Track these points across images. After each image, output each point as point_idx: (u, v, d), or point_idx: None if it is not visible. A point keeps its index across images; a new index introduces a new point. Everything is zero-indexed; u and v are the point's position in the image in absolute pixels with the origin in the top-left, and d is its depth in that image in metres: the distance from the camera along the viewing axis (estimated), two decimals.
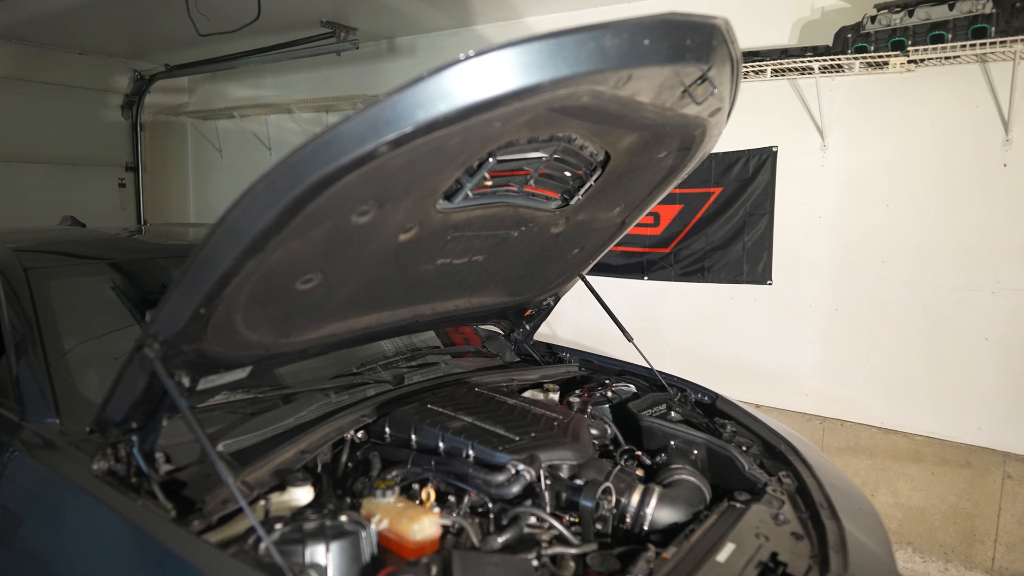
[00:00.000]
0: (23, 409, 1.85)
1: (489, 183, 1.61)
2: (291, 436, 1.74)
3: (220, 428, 1.80)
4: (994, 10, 2.77)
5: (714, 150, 3.79)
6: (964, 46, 2.85)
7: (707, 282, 4.01)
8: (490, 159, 1.48)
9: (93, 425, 1.55)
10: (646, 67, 1.28)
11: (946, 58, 3.00)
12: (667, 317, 4.19)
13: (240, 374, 1.62)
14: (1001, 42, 2.78)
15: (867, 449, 3.58)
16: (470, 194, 1.55)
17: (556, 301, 2.67)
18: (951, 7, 2.86)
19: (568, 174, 1.83)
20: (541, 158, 1.66)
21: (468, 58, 1.07)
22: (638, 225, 4.15)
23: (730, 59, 1.49)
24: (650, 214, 4.14)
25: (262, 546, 1.25)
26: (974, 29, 2.81)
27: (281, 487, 1.54)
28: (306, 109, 5.67)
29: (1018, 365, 3.17)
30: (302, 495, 1.53)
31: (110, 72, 6.72)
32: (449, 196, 1.54)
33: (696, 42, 1.33)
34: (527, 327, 2.79)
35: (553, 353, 2.86)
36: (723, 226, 3.90)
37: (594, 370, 2.71)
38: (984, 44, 2.81)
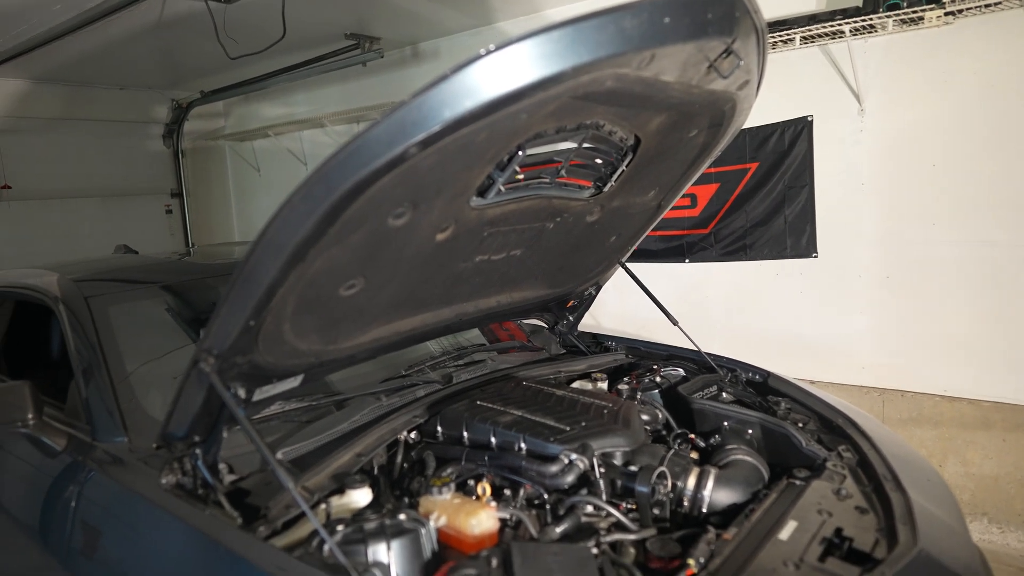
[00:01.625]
0: (94, 430, 1.94)
1: (520, 176, 1.62)
2: (346, 440, 1.78)
3: (278, 437, 1.85)
4: None
5: (746, 125, 3.70)
6: None
7: (750, 260, 3.94)
8: (519, 152, 1.48)
9: (159, 441, 1.62)
10: (668, 45, 1.26)
11: (986, 6, 2.87)
12: (711, 298, 4.13)
13: (293, 383, 1.67)
14: None
15: (931, 419, 3.47)
16: (502, 189, 1.56)
17: (597, 290, 2.66)
18: None
19: (599, 161, 1.82)
20: (571, 147, 1.66)
21: (489, 53, 1.07)
22: (675, 208, 4.11)
23: (755, 29, 1.46)
24: (686, 195, 4.07)
25: (326, 548, 1.29)
26: None
27: (340, 490, 1.58)
28: (338, 122, 5.76)
29: None
30: (361, 497, 1.56)
31: (150, 104, 6.95)
32: (482, 192, 1.56)
33: (718, 15, 1.31)
34: (570, 318, 2.79)
35: (599, 342, 2.85)
36: (762, 201, 3.82)
37: (641, 356, 2.69)
38: None
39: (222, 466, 1.65)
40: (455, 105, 1.08)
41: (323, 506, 1.53)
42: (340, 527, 1.36)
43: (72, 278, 2.44)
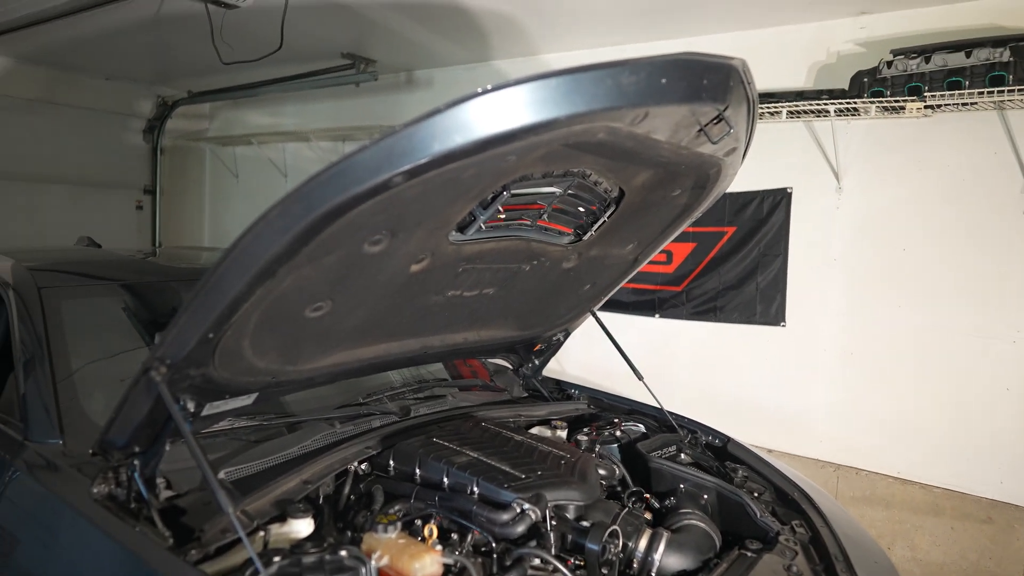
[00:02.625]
0: (27, 428, 1.83)
1: (503, 216, 1.61)
2: (294, 465, 1.71)
3: (223, 455, 1.78)
4: (1012, 58, 2.77)
5: (729, 189, 3.79)
6: (982, 93, 2.85)
7: (719, 322, 3.97)
8: (504, 192, 1.48)
9: (96, 447, 1.54)
10: (663, 105, 1.28)
11: (963, 104, 2.99)
12: (678, 356, 4.14)
13: (245, 401, 1.61)
14: (1020, 90, 2.77)
15: (883, 500, 3.49)
16: (483, 227, 1.55)
17: (566, 336, 2.65)
18: (968, 54, 2.86)
19: (582, 209, 1.82)
20: (555, 193, 1.66)
21: (486, 92, 1.07)
22: (650, 262, 4.12)
23: (747, 99, 1.49)
24: (663, 252, 4.10)
25: None
26: (991, 77, 2.81)
27: (281, 518, 1.51)
28: (324, 138, 5.74)
29: None
30: (302, 527, 1.50)
31: (134, 97, 6.85)
32: (462, 228, 1.54)
33: (713, 82, 1.33)
34: (536, 362, 2.76)
35: (562, 389, 2.82)
36: (736, 266, 3.88)
37: (603, 408, 2.67)
38: (1002, 92, 2.81)
39: (160, 480, 1.57)
40: (445, 139, 1.07)
41: (261, 533, 1.46)
42: (277, 559, 1.29)
43: (27, 266, 2.34)
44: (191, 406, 1.43)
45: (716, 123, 1.47)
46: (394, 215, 1.25)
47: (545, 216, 1.76)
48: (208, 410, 1.51)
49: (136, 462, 1.52)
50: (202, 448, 1.33)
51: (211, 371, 1.39)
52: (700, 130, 1.48)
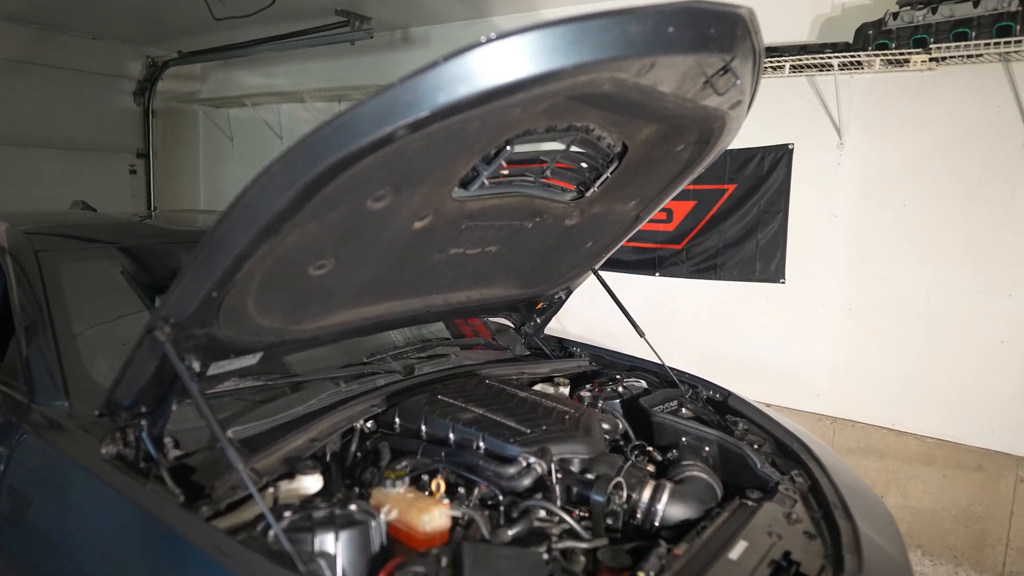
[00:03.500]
0: (32, 391, 1.84)
1: (506, 172, 1.60)
2: (301, 424, 1.73)
3: (230, 415, 1.78)
4: (1020, 8, 2.72)
5: (730, 146, 3.76)
6: (988, 44, 2.80)
7: (719, 279, 3.98)
8: (508, 147, 1.46)
9: (102, 408, 1.54)
10: (669, 55, 1.26)
11: (968, 56, 2.94)
12: (678, 314, 4.16)
13: (251, 360, 1.61)
14: None
15: (878, 450, 3.55)
16: (486, 182, 1.54)
17: (568, 295, 2.65)
18: (976, 4, 2.80)
19: (585, 165, 1.81)
20: (559, 148, 1.64)
21: (489, 41, 1.04)
22: (651, 221, 4.11)
23: (753, 51, 1.47)
24: (663, 210, 4.09)
25: (271, 533, 1.24)
26: (999, 27, 2.76)
27: (290, 475, 1.53)
28: (319, 99, 5.65)
29: None
30: (311, 483, 1.52)
31: (123, 58, 6.72)
32: (465, 184, 1.53)
33: (720, 31, 1.31)
34: (538, 320, 2.77)
35: (564, 347, 2.84)
36: (737, 223, 3.86)
37: (605, 365, 2.68)
38: (1009, 43, 2.76)
39: (168, 440, 1.59)
40: (449, 90, 1.05)
41: (271, 490, 1.48)
42: (287, 513, 1.31)
43: (23, 229, 2.32)
44: (196, 366, 1.43)
45: (722, 74, 1.45)
46: (398, 170, 1.23)
47: (548, 172, 1.74)
48: (213, 369, 1.51)
49: (144, 422, 1.53)
50: (210, 407, 1.34)
51: (216, 330, 1.39)
52: (706, 81, 1.46)
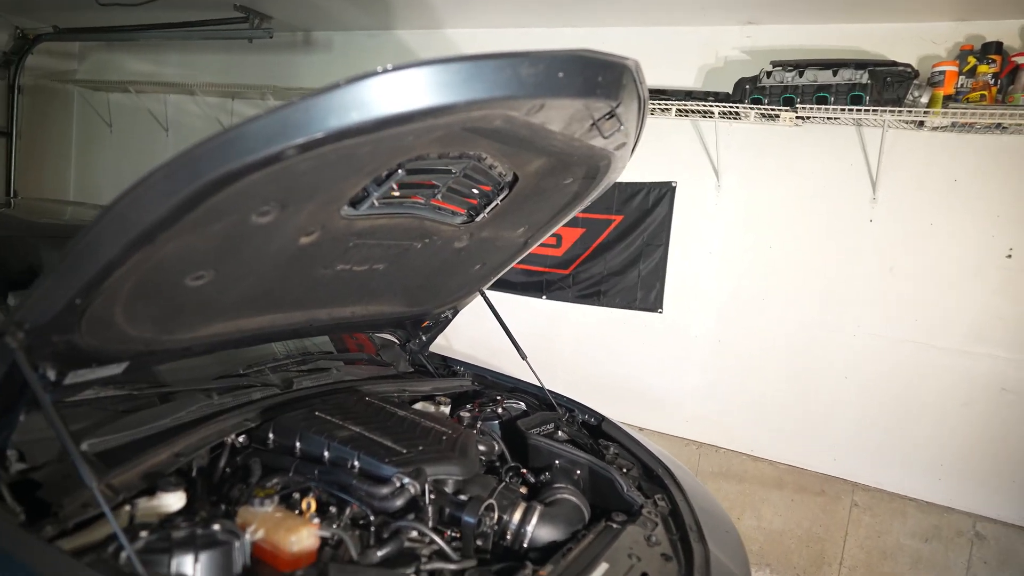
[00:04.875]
0: None
1: (397, 193, 1.61)
2: (167, 437, 1.65)
3: (87, 425, 1.68)
4: (870, 81, 3.06)
5: (619, 180, 3.95)
6: (843, 109, 3.13)
7: (602, 306, 4.15)
8: (399, 170, 1.48)
9: None
10: (559, 98, 1.32)
11: (828, 118, 3.27)
12: (563, 337, 4.29)
13: (115, 369, 1.52)
14: (873, 110, 3.07)
15: (737, 475, 3.81)
16: (376, 203, 1.54)
17: (454, 314, 2.68)
18: (835, 73, 3.13)
19: (476, 191, 1.85)
20: (450, 173, 1.68)
21: (386, 71, 1.07)
22: (541, 245, 4.23)
23: (638, 98, 1.57)
24: (553, 235, 4.20)
25: (123, 555, 1.18)
26: (852, 96, 3.09)
27: (151, 491, 1.46)
28: (211, 93, 5.41)
29: (871, 402, 3.48)
30: (173, 501, 1.45)
31: None
32: (355, 203, 1.52)
33: (608, 79, 1.39)
34: (423, 338, 2.78)
35: (448, 366, 2.86)
36: (621, 253, 4.05)
37: (487, 385, 2.73)
38: (859, 110, 3.10)
39: (11, 452, 1.47)
40: (343, 115, 1.06)
41: (128, 508, 1.41)
42: (144, 533, 1.25)
43: None
44: (51, 374, 1.34)
45: (608, 119, 1.54)
46: (285, 187, 1.22)
47: (439, 196, 1.77)
48: (72, 378, 1.42)
49: None
50: (62, 418, 1.26)
51: (76, 338, 1.31)
52: (593, 124, 1.54)
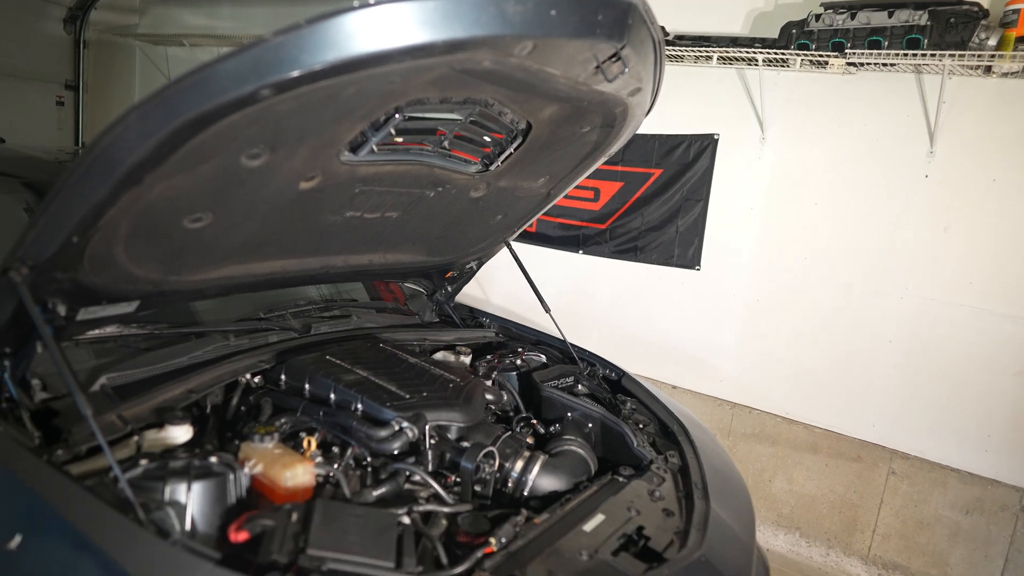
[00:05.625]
0: None
1: (399, 140, 1.60)
2: (182, 375, 1.72)
3: (108, 360, 1.77)
4: (929, 22, 2.82)
5: (657, 132, 3.83)
6: (898, 54, 2.91)
7: (639, 262, 4.07)
8: (397, 115, 1.46)
9: None
10: (551, 38, 1.27)
11: (884, 64, 3.05)
12: (598, 293, 4.24)
13: (126, 308, 1.59)
14: (932, 54, 2.84)
15: (771, 437, 3.73)
16: (375, 148, 1.53)
17: (479, 265, 2.67)
18: (890, 14, 2.89)
19: (488, 139, 1.82)
20: (457, 119, 1.65)
21: (358, 8, 1.04)
22: (578, 199, 4.20)
23: (651, 39, 1.49)
24: (590, 189, 4.15)
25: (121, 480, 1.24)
26: (908, 39, 2.86)
27: (160, 424, 1.53)
28: None
29: (914, 368, 3.32)
30: (179, 434, 1.52)
31: None
32: (354, 148, 1.52)
33: (609, 18, 1.32)
34: (449, 288, 2.79)
35: (474, 317, 2.87)
36: (660, 208, 3.94)
37: (511, 337, 2.73)
38: (916, 55, 2.87)
39: (35, 382, 1.56)
40: (314, 54, 1.05)
41: (135, 438, 1.48)
42: (144, 462, 1.32)
43: None
44: (62, 310, 1.41)
45: (614, 61, 1.47)
46: (270, 129, 1.22)
47: (446, 143, 1.74)
48: (83, 315, 1.49)
49: (6, 363, 1.50)
50: (61, 350, 1.32)
51: (81, 276, 1.36)
52: (597, 67, 1.48)
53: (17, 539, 1.19)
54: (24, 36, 6.34)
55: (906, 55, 2.88)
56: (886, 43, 2.90)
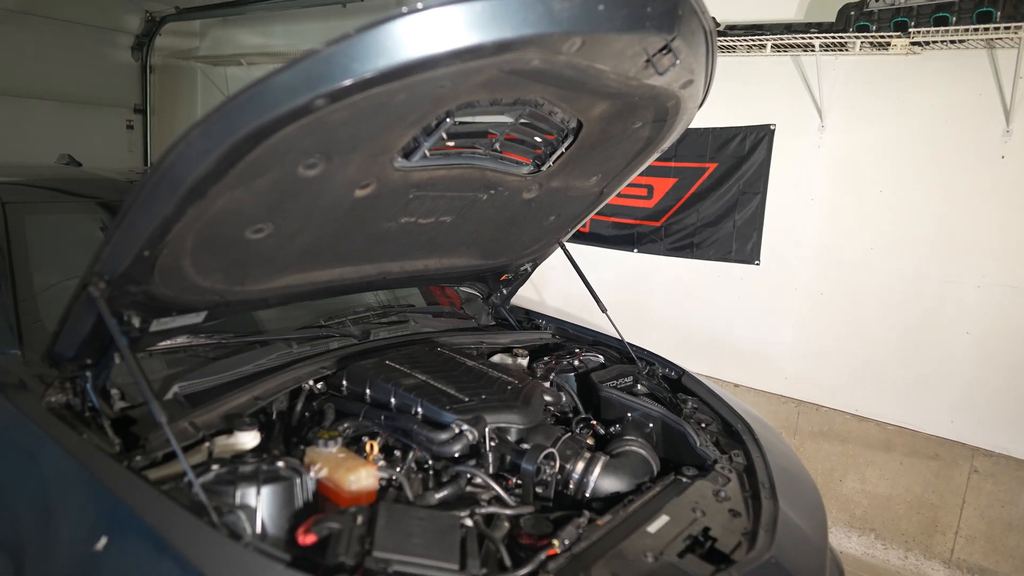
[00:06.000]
0: None
1: (451, 144, 1.61)
2: (248, 382, 1.77)
3: (180, 370, 1.83)
4: None
5: (711, 125, 3.75)
6: (968, 30, 2.76)
7: (695, 258, 3.99)
8: (448, 119, 1.47)
9: (44, 358, 1.59)
10: (600, 33, 1.26)
11: (951, 42, 2.91)
12: (654, 291, 4.18)
13: (195, 318, 1.65)
14: (1006, 27, 2.68)
15: (840, 435, 3.60)
16: (427, 153, 1.55)
17: (534, 267, 2.67)
18: None
19: (539, 140, 1.81)
20: (507, 121, 1.65)
21: (405, 13, 1.06)
22: (631, 197, 4.15)
23: (702, 30, 1.46)
24: (643, 186, 4.10)
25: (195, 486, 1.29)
26: (979, 12, 2.71)
27: (229, 431, 1.58)
28: None
29: (995, 361, 3.15)
30: (248, 439, 1.56)
31: (120, 11, 6.68)
32: (407, 154, 1.54)
33: (658, 10, 1.30)
34: (504, 291, 2.80)
35: (530, 319, 2.87)
36: (715, 203, 3.86)
37: (568, 338, 2.72)
38: (988, 29, 2.72)
39: (114, 391, 1.64)
40: (365, 62, 1.07)
41: (207, 444, 1.53)
42: (215, 467, 1.36)
43: None
44: (136, 322, 1.47)
45: (665, 54, 1.44)
46: (325, 139, 1.25)
47: (497, 145, 1.75)
48: (156, 326, 1.55)
49: (88, 373, 1.57)
50: (137, 361, 1.38)
51: (153, 288, 1.42)
52: (647, 61, 1.45)
53: (103, 540, 1.25)
54: (96, 65, 6.70)
55: (977, 30, 2.73)
56: (954, 19, 2.76)
